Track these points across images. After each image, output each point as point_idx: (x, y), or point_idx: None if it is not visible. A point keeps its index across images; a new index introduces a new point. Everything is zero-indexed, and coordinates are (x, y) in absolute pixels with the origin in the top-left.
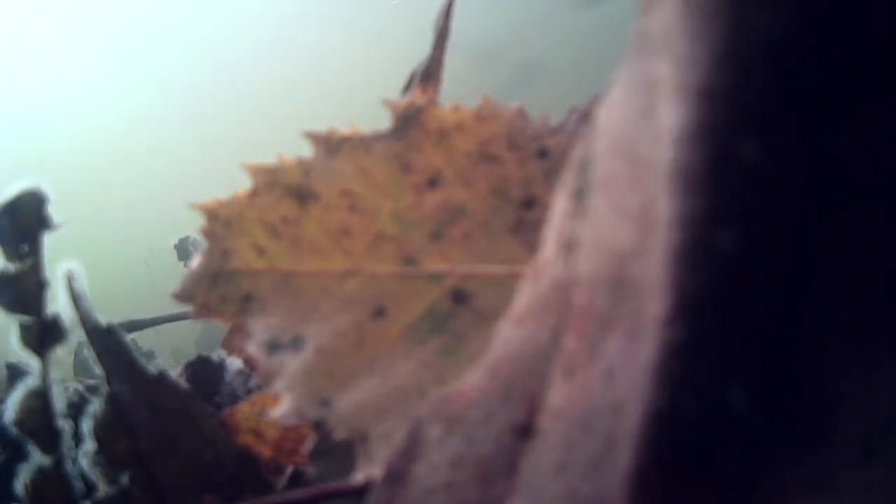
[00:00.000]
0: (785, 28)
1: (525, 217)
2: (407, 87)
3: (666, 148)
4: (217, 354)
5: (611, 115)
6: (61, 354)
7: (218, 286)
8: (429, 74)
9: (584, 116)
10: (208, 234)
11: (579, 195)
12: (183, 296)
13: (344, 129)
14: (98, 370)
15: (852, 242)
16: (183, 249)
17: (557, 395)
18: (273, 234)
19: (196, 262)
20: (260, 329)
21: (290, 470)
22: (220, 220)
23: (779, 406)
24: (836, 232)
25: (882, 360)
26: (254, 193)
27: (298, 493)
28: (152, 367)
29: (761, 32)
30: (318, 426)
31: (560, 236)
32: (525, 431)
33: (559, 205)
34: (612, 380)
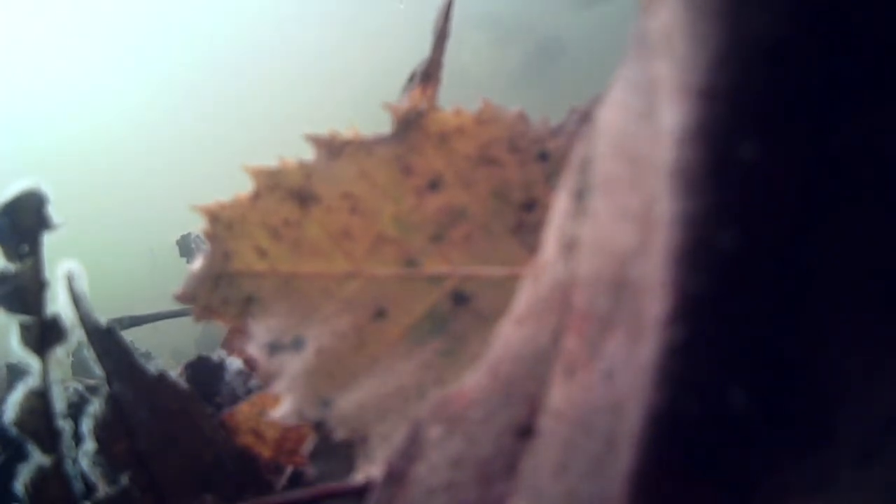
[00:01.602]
0: (785, 28)
1: (525, 219)
2: (406, 88)
3: (666, 148)
4: (217, 355)
5: (611, 116)
6: (61, 354)
7: (219, 288)
8: (428, 75)
9: (585, 117)
10: (210, 236)
11: (579, 195)
12: (185, 297)
13: (345, 132)
14: (98, 370)
15: (852, 242)
16: (185, 246)
17: (558, 395)
18: (274, 237)
19: (198, 263)
20: (261, 330)
21: (290, 470)
22: (221, 223)
23: (779, 406)
24: (836, 232)
25: (882, 360)
26: (255, 196)
27: (298, 493)
28: (152, 368)
29: (761, 33)
30: (319, 427)
31: (560, 236)
32: (525, 432)
33: (559, 205)
34: (612, 380)
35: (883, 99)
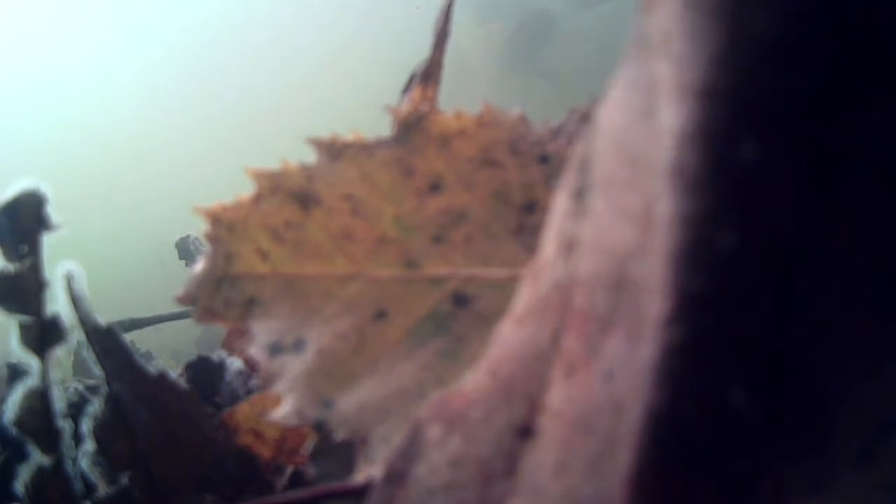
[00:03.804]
0: (784, 27)
1: (526, 221)
2: (406, 89)
3: (666, 148)
4: (217, 355)
5: (611, 116)
6: (61, 354)
7: (221, 290)
8: (428, 75)
9: (585, 117)
10: (212, 238)
11: (579, 195)
12: (186, 299)
13: (346, 134)
14: (98, 370)
15: (853, 243)
16: (184, 249)
17: (557, 395)
18: (276, 239)
19: (199, 266)
20: (262, 332)
21: (290, 470)
22: (223, 225)
23: (778, 406)
24: (836, 232)
25: (882, 360)
26: (257, 198)
27: (298, 493)
28: (152, 368)
29: (760, 31)
30: (319, 427)
31: (560, 236)
32: (525, 431)
33: (559, 205)
34: (612, 380)
35: (883, 97)
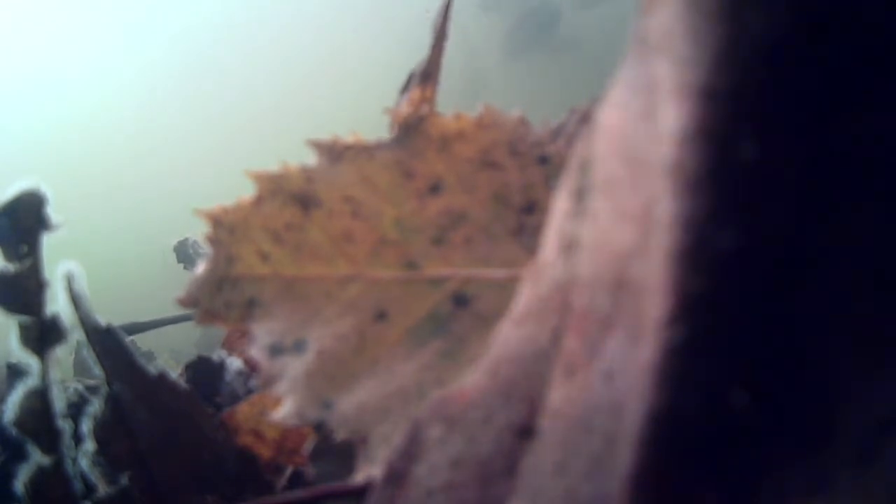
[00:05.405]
0: (784, 28)
1: (526, 222)
2: (405, 88)
3: (666, 149)
4: (217, 355)
5: (611, 116)
6: (61, 354)
7: (222, 292)
8: (427, 75)
9: (585, 117)
10: (212, 240)
11: (579, 195)
12: (187, 301)
13: (347, 136)
14: (98, 370)
15: (851, 242)
16: (182, 252)
17: (557, 395)
18: (277, 241)
19: (200, 268)
20: (263, 333)
21: (290, 470)
22: (224, 227)
23: (778, 406)
24: (835, 232)
25: (882, 360)
26: (258, 200)
27: (298, 493)
28: (152, 368)
29: (760, 32)
30: (319, 427)
31: (560, 237)
32: (525, 432)
33: (559, 205)
34: (612, 380)
35: (882, 98)
